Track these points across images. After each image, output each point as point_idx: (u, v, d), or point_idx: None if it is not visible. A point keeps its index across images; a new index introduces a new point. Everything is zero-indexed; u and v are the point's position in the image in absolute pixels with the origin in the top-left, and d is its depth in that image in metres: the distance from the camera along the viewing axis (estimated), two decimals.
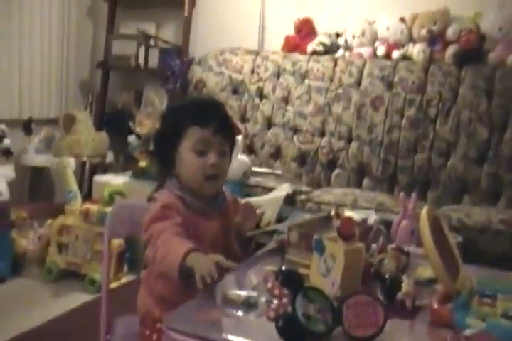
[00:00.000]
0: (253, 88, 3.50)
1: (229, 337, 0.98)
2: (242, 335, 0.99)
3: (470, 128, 3.02)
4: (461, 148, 3.02)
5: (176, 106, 1.47)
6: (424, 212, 1.19)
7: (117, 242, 2.52)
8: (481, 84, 3.05)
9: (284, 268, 1.13)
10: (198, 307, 1.09)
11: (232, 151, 1.39)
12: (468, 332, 0.94)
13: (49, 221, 2.84)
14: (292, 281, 1.08)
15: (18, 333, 2.16)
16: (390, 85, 3.24)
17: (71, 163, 3.05)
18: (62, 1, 3.78)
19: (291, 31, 3.63)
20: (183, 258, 1.13)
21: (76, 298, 2.51)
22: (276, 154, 3.36)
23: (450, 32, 3.26)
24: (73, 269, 2.71)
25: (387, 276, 1.22)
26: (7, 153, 2.91)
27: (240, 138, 2.48)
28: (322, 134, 3.30)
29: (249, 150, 3.34)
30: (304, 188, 2.96)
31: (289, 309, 1.01)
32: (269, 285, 1.06)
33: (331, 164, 3.24)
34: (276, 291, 1.05)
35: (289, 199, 2.59)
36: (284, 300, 1.03)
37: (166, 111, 1.49)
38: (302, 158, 3.29)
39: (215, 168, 1.30)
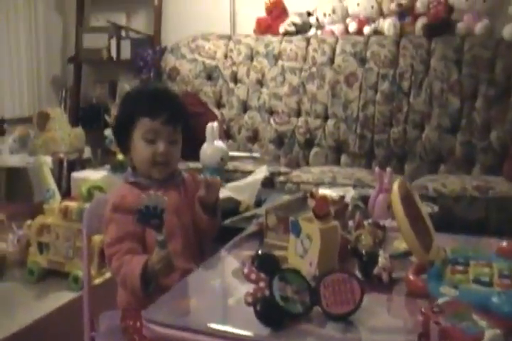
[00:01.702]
0: (227, 73, 3.49)
1: (208, 324, 0.99)
2: (222, 322, 1.01)
3: (442, 99, 3.05)
4: (435, 119, 3.05)
5: (129, 96, 1.52)
6: (395, 185, 1.21)
7: (99, 237, 2.51)
8: (451, 55, 3.09)
9: (259, 252, 1.14)
10: (176, 298, 1.10)
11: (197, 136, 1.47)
12: (441, 300, 0.96)
13: (28, 221, 2.81)
14: (268, 265, 1.09)
15: (4, 336, 2.14)
16: (362, 61, 3.26)
17: (48, 161, 3.02)
18: None
19: (262, 13, 3.61)
20: (142, 276, 1.24)
21: (61, 297, 2.49)
22: (254, 137, 3.36)
23: (419, 4, 3.28)
24: (56, 268, 2.68)
25: (363, 252, 1.24)
26: None
27: (215, 124, 2.47)
28: (298, 114, 3.31)
29: (227, 135, 3.34)
30: (283, 169, 2.97)
31: (267, 292, 1.02)
32: (246, 270, 1.06)
33: (309, 143, 3.25)
34: (253, 276, 1.06)
35: (268, 182, 2.60)
36: (262, 284, 1.04)
37: (121, 100, 1.52)
38: (280, 140, 3.30)
39: (164, 156, 1.38)
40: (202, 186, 1.39)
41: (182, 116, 1.42)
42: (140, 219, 1.20)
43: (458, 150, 3.00)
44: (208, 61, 3.53)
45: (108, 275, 2.59)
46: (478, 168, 2.97)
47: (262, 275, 1.05)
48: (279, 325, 0.97)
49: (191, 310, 1.05)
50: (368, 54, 3.24)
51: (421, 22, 3.24)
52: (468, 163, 2.99)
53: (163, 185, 1.41)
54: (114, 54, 3.80)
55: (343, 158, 3.21)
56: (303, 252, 1.22)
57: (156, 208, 1.18)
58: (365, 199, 1.71)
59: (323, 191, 1.60)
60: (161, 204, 1.18)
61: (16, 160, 3.34)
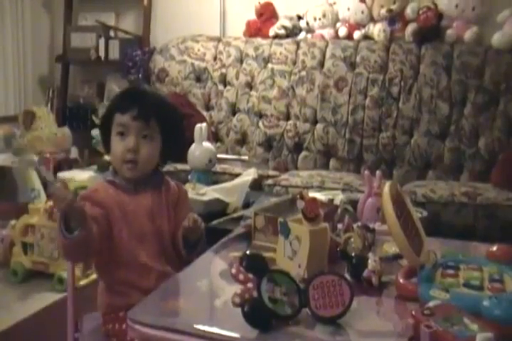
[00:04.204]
0: (216, 75, 3.47)
1: (195, 325, 0.97)
2: (208, 323, 0.99)
3: (431, 105, 3.06)
4: (424, 125, 3.06)
5: (113, 96, 1.56)
6: (386, 187, 1.19)
7: None
8: (440, 61, 3.10)
9: (248, 252, 1.12)
10: (162, 299, 1.07)
11: (174, 136, 1.42)
12: (432, 303, 0.94)
13: (12, 221, 2.77)
14: (257, 265, 1.07)
15: None
16: (352, 65, 3.26)
17: (33, 160, 2.98)
18: None
19: (252, 16, 3.61)
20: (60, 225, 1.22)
21: (45, 298, 2.45)
22: (243, 140, 3.34)
23: (409, 10, 3.28)
24: (40, 269, 2.63)
25: (353, 254, 1.23)
26: None
27: (203, 125, 2.45)
28: (287, 118, 3.30)
29: (215, 137, 3.32)
30: (271, 173, 2.96)
31: (255, 294, 1.00)
32: (234, 270, 1.04)
33: (298, 147, 3.24)
34: (241, 276, 1.04)
35: (256, 185, 2.58)
36: (250, 285, 1.02)
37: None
38: (268, 143, 3.28)
39: (133, 152, 1.35)
40: (189, 220, 1.34)
41: (156, 112, 1.37)
42: None
43: (446, 156, 3.01)
44: (197, 63, 3.51)
45: (93, 276, 2.56)
46: (466, 174, 2.97)
47: (250, 275, 1.04)
48: (267, 327, 0.96)
49: (177, 310, 1.03)
50: (358, 59, 3.25)
51: (411, 28, 3.25)
52: (456, 170, 2.99)
53: (138, 185, 1.40)
54: (102, 54, 3.76)
55: (332, 163, 3.20)
56: (292, 254, 1.21)
57: None
58: (353, 203, 1.69)
59: (312, 194, 1.58)
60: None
61: (0, 160, 3.28)
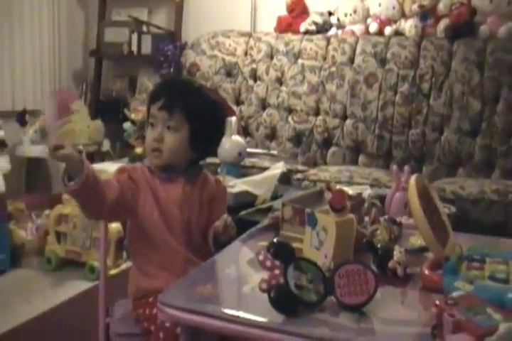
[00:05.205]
0: (247, 70, 3.50)
1: (223, 310, 1.00)
2: (236, 308, 1.01)
3: (463, 102, 3.03)
4: (455, 122, 3.03)
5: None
6: (412, 180, 1.21)
7: (116, 229, 2.55)
8: (473, 57, 3.07)
9: (275, 240, 1.15)
10: (191, 284, 1.11)
11: (204, 128, 1.42)
12: (455, 293, 0.95)
13: (47, 211, 2.85)
14: (284, 253, 1.10)
15: (20, 323, 2.17)
16: (382, 61, 3.25)
17: None
18: None
19: (283, 11, 3.62)
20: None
21: (76, 286, 2.53)
22: (272, 135, 3.37)
23: (441, 6, 3.26)
24: (72, 258, 2.72)
25: (379, 246, 1.24)
26: (1, 144, 2.90)
27: (234, 118, 2.48)
28: (317, 113, 3.31)
29: (245, 132, 3.35)
30: (300, 167, 2.98)
31: (281, 280, 1.02)
32: (261, 257, 1.07)
33: (327, 143, 3.25)
34: (268, 263, 1.07)
35: (285, 179, 2.60)
36: (276, 271, 1.05)
37: None
38: (297, 138, 3.30)
39: (157, 141, 1.39)
40: (221, 222, 1.38)
41: (182, 104, 1.38)
42: None
43: (477, 153, 2.98)
44: (227, 58, 3.54)
45: (123, 266, 2.63)
46: (497, 171, 2.94)
47: (277, 263, 1.06)
48: (293, 312, 0.98)
49: (206, 295, 1.05)
50: (389, 55, 3.24)
51: (443, 24, 3.22)
52: (487, 167, 2.96)
53: (171, 175, 1.43)
54: (134, 49, 3.82)
55: (361, 158, 3.20)
56: (318, 244, 1.22)
57: None
58: (381, 198, 1.70)
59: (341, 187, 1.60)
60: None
61: (36, 151, 3.37)
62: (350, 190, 1.86)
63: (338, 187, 1.53)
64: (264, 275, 1.05)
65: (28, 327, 2.16)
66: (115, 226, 2.52)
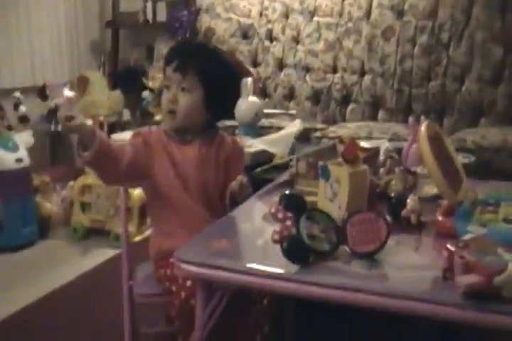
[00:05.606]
0: (262, 31, 3.46)
1: (237, 262, 1.02)
2: (252, 261, 1.03)
3: (484, 49, 2.95)
4: (476, 71, 2.96)
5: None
6: (423, 127, 1.19)
7: (138, 196, 2.58)
8: (495, 2, 2.95)
9: (287, 192, 1.15)
10: (206, 239, 1.13)
11: (218, 89, 1.42)
12: (467, 236, 0.96)
13: (71, 183, 2.91)
14: (295, 204, 1.11)
15: (52, 289, 2.25)
16: (400, 14, 3.17)
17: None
18: None
19: None
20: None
21: (103, 254, 2.59)
22: (290, 95, 3.35)
23: None
24: (98, 226, 2.79)
25: (392, 195, 1.24)
26: (24, 119, 2.95)
27: (249, 79, 2.46)
28: (334, 70, 3.27)
29: (263, 93, 3.33)
30: (319, 126, 2.96)
31: (293, 231, 1.04)
32: (273, 209, 1.08)
33: (345, 100, 3.22)
34: (280, 215, 1.08)
35: (304, 137, 2.59)
36: (288, 222, 1.06)
37: None
38: (316, 97, 3.27)
39: (172, 103, 1.41)
40: (236, 183, 1.38)
41: (195, 66, 1.39)
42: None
43: (500, 102, 2.91)
44: (242, 19, 3.50)
45: (148, 233, 2.68)
46: None
47: (289, 214, 1.07)
48: (305, 262, 0.99)
49: (221, 250, 1.08)
50: (406, 6, 3.15)
51: None
52: (510, 116, 2.89)
53: (186, 137, 1.44)
54: (150, 17, 3.81)
55: (380, 114, 3.17)
56: (332, 196, 1.23)
57: None
58: (399, 151, 1.68)
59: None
60: None
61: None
62: (367, 144, 1.85)
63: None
64: (277, 227, 1.07)
65: (60, 294, 2.24)
66: (137, 193, 2.55)
